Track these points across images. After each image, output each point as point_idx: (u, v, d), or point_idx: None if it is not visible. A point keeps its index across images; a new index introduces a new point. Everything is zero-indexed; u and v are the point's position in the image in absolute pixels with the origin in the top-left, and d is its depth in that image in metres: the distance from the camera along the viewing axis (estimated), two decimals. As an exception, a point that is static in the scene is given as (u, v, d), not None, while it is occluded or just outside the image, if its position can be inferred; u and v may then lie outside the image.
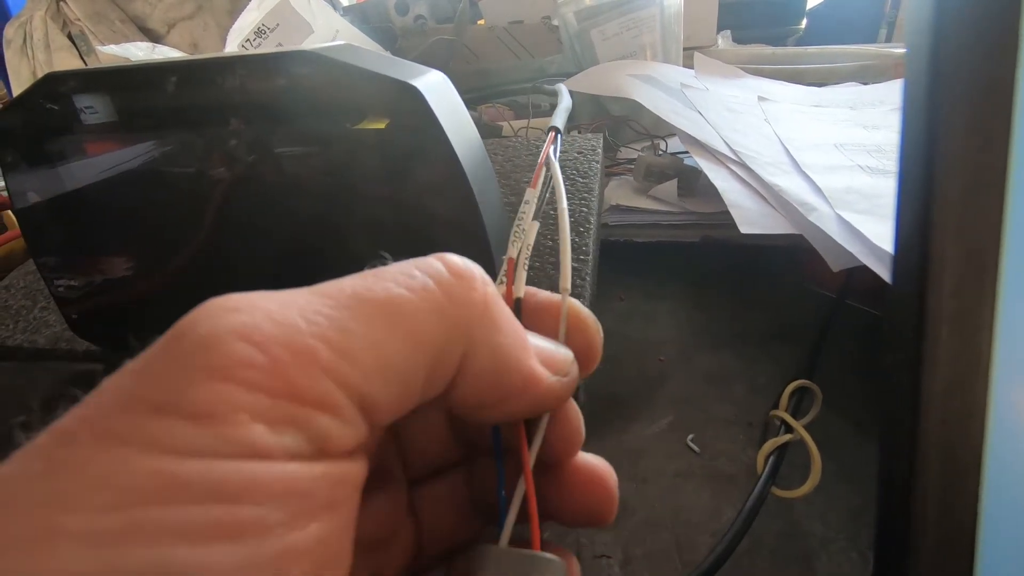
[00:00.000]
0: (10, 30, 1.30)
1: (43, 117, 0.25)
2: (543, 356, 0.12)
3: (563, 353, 0.13)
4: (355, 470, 0.10)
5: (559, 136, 0.19)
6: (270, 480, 0.09)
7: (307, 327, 0.10)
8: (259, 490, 0.09)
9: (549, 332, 0.13)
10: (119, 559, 0.08)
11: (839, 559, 0.24)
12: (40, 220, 0.28)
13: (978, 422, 0.12)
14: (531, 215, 0.15)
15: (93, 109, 0.24)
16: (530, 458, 0.13)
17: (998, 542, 0.12)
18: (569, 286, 0.14)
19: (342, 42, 0.24)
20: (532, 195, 0.15)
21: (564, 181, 0.40)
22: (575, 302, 0.14)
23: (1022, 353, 0.12)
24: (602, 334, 0.14)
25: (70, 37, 1.26)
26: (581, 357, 0.14)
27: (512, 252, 0.14)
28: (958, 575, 0.12)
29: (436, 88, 0.23)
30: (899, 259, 0.13)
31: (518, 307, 0.14)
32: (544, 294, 0.14)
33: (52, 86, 0.24)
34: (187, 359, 0.09)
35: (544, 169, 0.16)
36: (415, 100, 0.22)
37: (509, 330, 0.12)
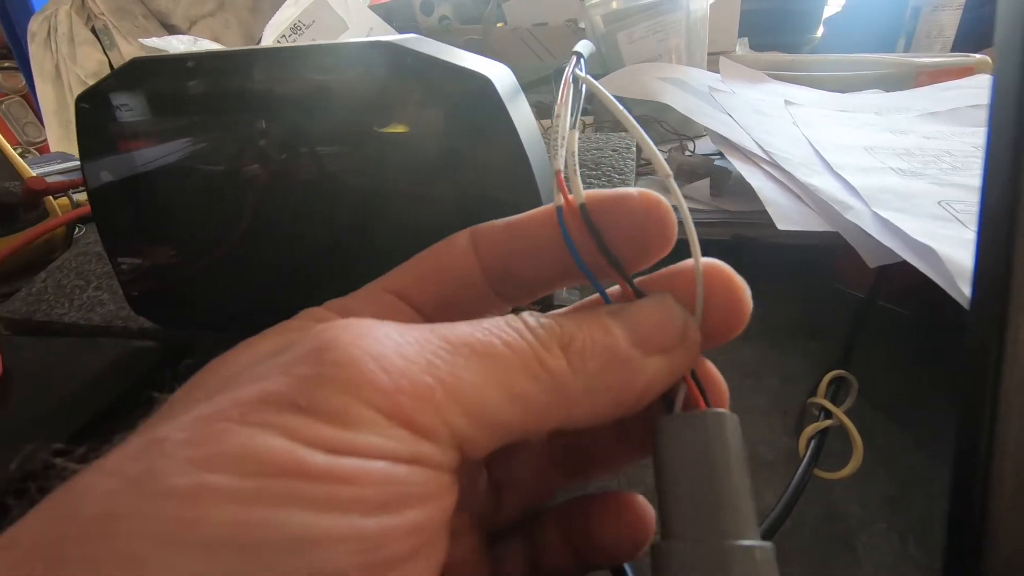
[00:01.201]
0: (34, 24, 1.32)
1: (126, 100, 0.26)
2: (640, 341, 0.13)
3: (663, 315, 0.14)
4: (446, 479, 0.12)
5: (582, 59, 0.20)
6: (376, 471, 0.10)
7: (427, 367, 0.11)
8: (367, 477, 0.10)
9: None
10: (249, 514, 0.09)
11: (877, 540, 0.25)
12: (111, 200, 0.29)
13: None
14: (566, 125, 0.15)
15: (172, 95, 0.25)
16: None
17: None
18: (670, 172, 0.14)
19: (412, 34, 0.25)
20: (563, 108, 0.15)
21: (601, 178, 0.41)
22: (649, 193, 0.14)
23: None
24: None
25: (94, 31, 1.27)
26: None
27: (559, 164, 0.14)
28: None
29: (503, 79, 0.24)
30: (981, 276, 0.14)
31: (585, 215, 0.14)
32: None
33: (138, 71, 0.25)
34: (328, 371, 0.11)
35: (571, 85, 0.16)
36: (486, 90, 0.23)
37: (605, 370, 0.13)
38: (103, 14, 1.25)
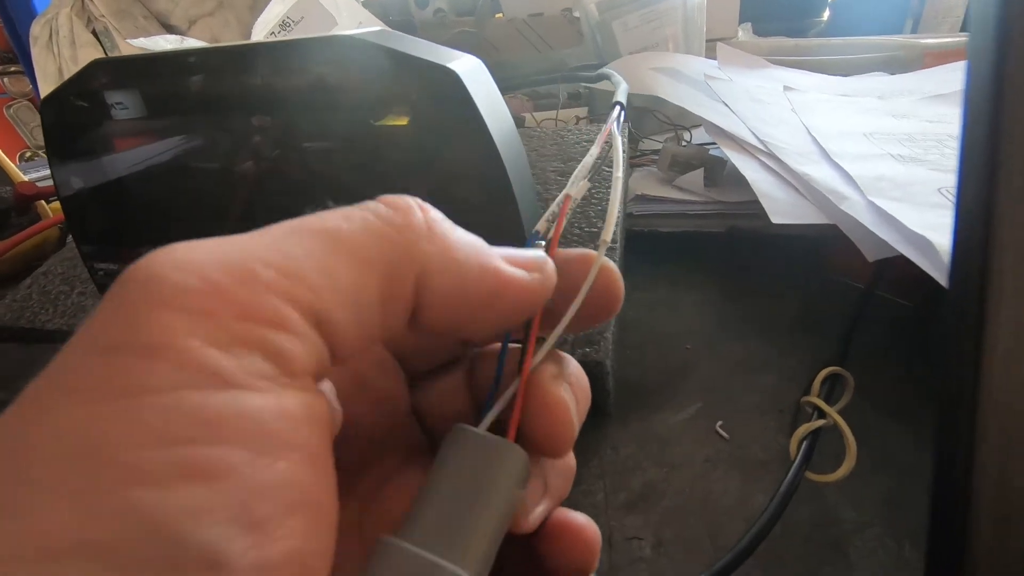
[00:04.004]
0: (36, 27, 1.32)
1: (89, 103, 0.25)
2: (508, 258, 0.12)
3: (530, 252, 0.13)
4: (322, 403, 0.10)
5: (623, 111, 0.20)
6: (230, 416, 0.08)
7: (245, 253, 0.10)
8: (220, 428, 0.08)
9: (574, 282, 0.13)
10: (87, 510, 0.07)
11: (872, 545, 0.24)
12: (84, 207, 0.29)
13: None
14: (588, 169, 0.15)
15: (137, 95, 0.25)
16: (532, 347, 0.13)
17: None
18: (609, 239, 0.14)
19: (378, 28, 0.24)
20: (592, 153, 0.16)
21: (590, 170, 0.40)
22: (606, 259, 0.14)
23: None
24: (621, 282, 0.14)
25: (95, 33, 1.28)
26: (601, 300, 0.14)
27: (572, 191, 0.15)
28: (1017, 551, 0.12)
29: (472, 72, 0.23)
30: (958, 262, 0.13)
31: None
32: (571, 251, 0.14)
33: (97, 73, 0.24)
34: (129, 297, 0.09)
35: (609, 139, 0.16)
36: (453, 83, 0.22)
37: (463, 242, 0.12)
38: (103, 16, 1.25)
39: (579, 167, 0.15)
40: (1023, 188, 0.11)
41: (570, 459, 0.15)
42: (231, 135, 0.25)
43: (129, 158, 0.27)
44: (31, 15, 1.47)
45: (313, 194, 0.26)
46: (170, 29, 1.31)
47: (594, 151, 0.15)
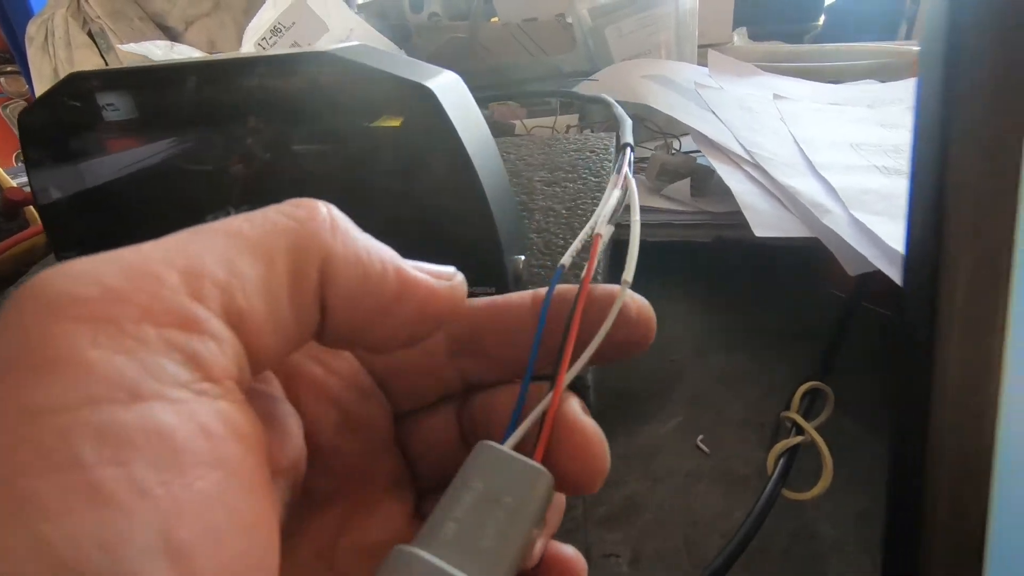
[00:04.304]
0: (32, 28, 1.32)
1: (66, 115, 0.25)
2: (416, 265, 0.12)
3: (440, 266, 0.12)
4: (248, 414, 0.09)
5: (632, 152, 0.21)
6: (139, 432, 0.07)
7: (145, 257, 0.09)
8: (128, 446, 0.07)
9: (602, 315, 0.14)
10: None
11: (850, 561, 0.24)
12: (63, 216, 0.28)
13: (989, 423, 0.12)
14: (612, 212, 0.16)
15: (115, 107, 0.25)
16: (568, 355, 0.13)
17: (1008, 545, 0.12)
18: (631, 279, 0.14)
19: (357, 43, 0.24)
20: (613, 197, 0.16)
21: (576, 181, 0.40)
22: (633, 295, 0.14)
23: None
24: (654, 321, 0.14)
25: (90, 34, 1.28)
26: (635, 331, 0.14)
27: (601, 230, 0.15)
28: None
29: (449, 88, 0.23)
30: (911, 262, 0.13)
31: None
32: (599, 286, 0.14)
33: (75, 85, 0.24)
34: (22, 314, 0.08)
35: (621, 183, 0.17)
36: (428, 100, 0.22)
37: (367, 240, 0.11)
38: (99, 17, 1.25)
39: (602, 208, 0.16)
40: (970, 195, 0.12)
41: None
42: (208, 147, 0.25)
43: (106, 168, 0.26)
44: (27, 15, 1.47)
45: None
46: (166, 31, 1.30)
47: (616, 194, 0.16)
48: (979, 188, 0.12)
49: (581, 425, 0.13)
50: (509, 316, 0.14)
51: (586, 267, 0.14)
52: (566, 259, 0.15)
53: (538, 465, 0.12)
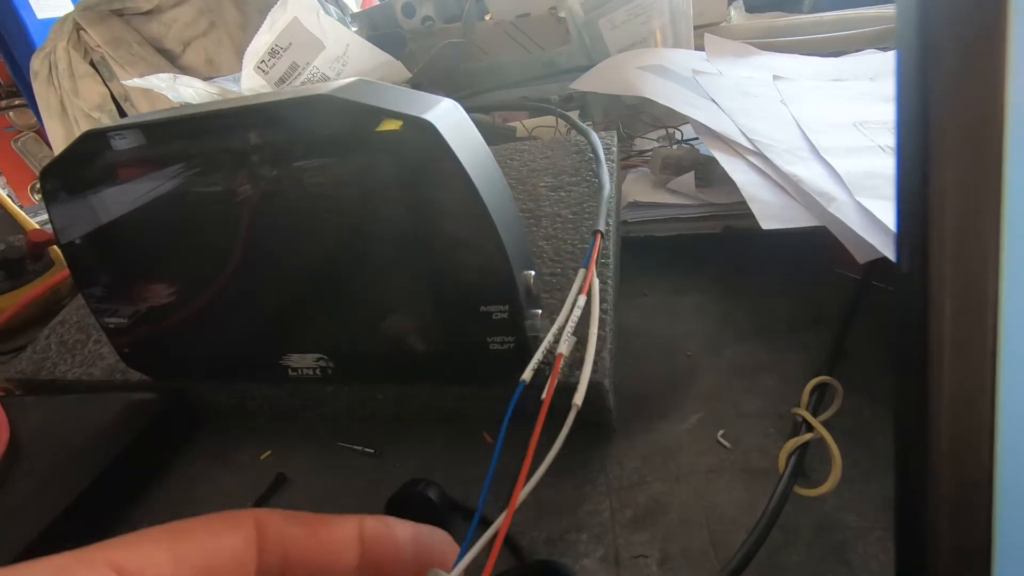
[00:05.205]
0: (36, 62, 1.34)
1: (83, 172, 0.26)
2: None
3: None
4: None
5: (604, 239, 0.21)
6: None
7: None
8: None
9: None
10: None
11: (875, 549, 0.25)
12: (89, 266, 0.30)
13: (987, 400, 0.13)
14: (575, 326, 0.17)
15: (128, 158, 0.26)
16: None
17: (1014, 551, 0.12)
18: (580, 402, 0.15)
19: (354, 78, 0.25)
20: (579, 304, 0.17)
21: (581, 184, 0.40)
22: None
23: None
24: None
25: (92, 64, 1.29)
26: None
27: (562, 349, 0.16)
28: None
29: (448, 118, 0.23)
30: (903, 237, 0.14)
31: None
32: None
33: (90, 143, 0.25)
34: None
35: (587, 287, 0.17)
36: (430, 135, 0.22)
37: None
38: (99, 46, 1.27)
39: (564, 320, 0.16)
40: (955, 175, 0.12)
41: None
42: (222, 184, 0.26)
43: (125, 205, 0.27)
44: (30, 49, 1.49)
45: (301, 245, 0.27)
46: (164, 53, 1.32)
47: (580, 301, 0.17)
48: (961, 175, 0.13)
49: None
50: (329, 552, 0.15)
51: (533, 434, 0.14)
52: (527, 374, 0.15)
53: None
